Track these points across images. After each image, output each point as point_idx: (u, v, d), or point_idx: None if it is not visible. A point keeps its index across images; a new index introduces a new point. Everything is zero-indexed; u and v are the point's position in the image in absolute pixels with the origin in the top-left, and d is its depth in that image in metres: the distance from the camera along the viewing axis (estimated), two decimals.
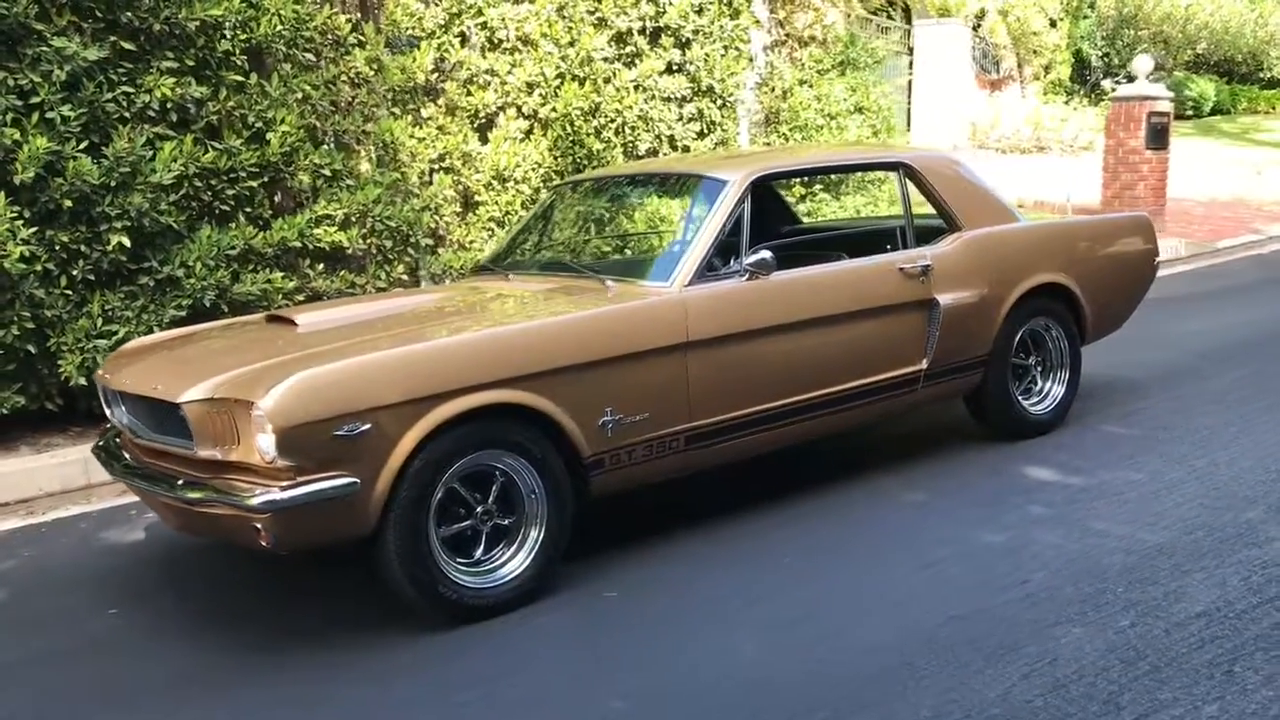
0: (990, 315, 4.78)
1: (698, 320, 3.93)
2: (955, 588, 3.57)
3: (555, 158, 7.43)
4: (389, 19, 6.73)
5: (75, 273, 5.58)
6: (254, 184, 6.14)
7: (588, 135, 7.48)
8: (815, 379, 4.28)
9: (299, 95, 6.27)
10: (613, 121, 7.63)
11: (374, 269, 6.77)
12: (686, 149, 8.24)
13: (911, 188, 4.87)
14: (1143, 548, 3.74)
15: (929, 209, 4.95)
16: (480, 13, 7.03)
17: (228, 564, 4.18)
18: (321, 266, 6.51)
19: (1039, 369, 5.15)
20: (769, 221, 5.42)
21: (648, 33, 7.96)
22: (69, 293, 5.59)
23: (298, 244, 6.32)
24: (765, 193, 5.64)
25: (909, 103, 17.53)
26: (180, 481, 3.40)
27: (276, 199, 6.58)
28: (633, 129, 7.75)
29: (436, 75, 7.03)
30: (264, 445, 3.15)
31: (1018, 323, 4.93)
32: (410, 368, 3.38)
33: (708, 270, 4.08)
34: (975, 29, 18.01)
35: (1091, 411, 5.44)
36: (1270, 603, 3.27)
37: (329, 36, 6.47)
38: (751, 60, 8.95)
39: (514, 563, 3.61)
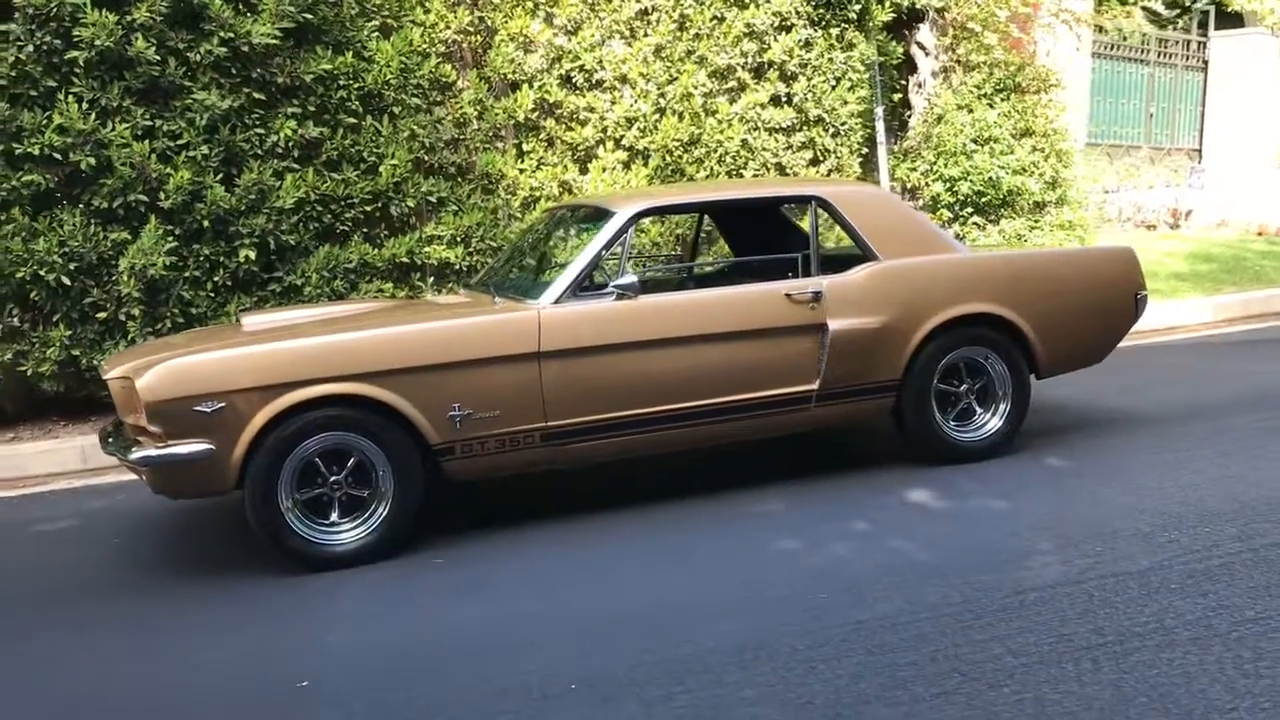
0: (899, 341, 4.96)
1: (551, 334, 4.52)
2: (692, 584, 3.92)
3: (655, 185, 8.05)
4: (492, 66, 7.67)
5: (216, 279, 6.95)
6: (368, 209, 7.30)
7: (688, 164, 8.05)
8: (687, 391, 4.72)
9: (407, 134, 7.35)
10: (713, 152, 8.12)
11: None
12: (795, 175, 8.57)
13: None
14: (902, 564, 3.93)
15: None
16: (577, 58, 7.79)
17: (229, 517, 5.20)
18: (432, 279, 7.57)
19: (974, 397, 5.21)
20: (788, 244, 5.82)
21: (751, 68, 8.35)
22: (212, 295, 6.97)
23: (407, 260, 7.42)
24: (780, 220, 6.04)
25: (1201, 122, 16.38)
26: (110, 439, 4.47)
27: (410, 220, 7.70)
28: (734, 157, 8.19)
29: (537, 114, 7.88)
30: (144, 414, 4.14)
31: (941, 350, 5.06)
32: (263, 361, 4.24)
33: (583, 289, 4.67)
34: None
35: (1054, 443, 5.42)
36: (938, 617, 3.44)
37: (436, 83, 7.51)
38: (872, 88, 9.08)
39: (359, 529, 4.38)
